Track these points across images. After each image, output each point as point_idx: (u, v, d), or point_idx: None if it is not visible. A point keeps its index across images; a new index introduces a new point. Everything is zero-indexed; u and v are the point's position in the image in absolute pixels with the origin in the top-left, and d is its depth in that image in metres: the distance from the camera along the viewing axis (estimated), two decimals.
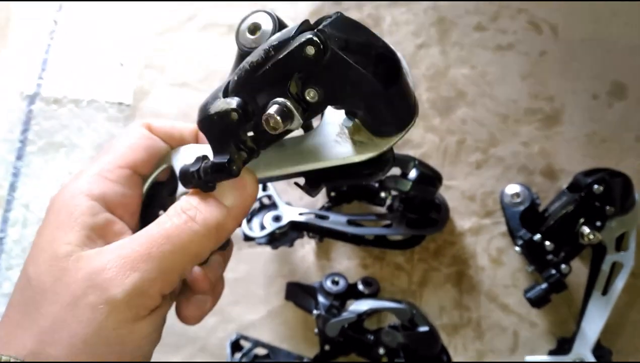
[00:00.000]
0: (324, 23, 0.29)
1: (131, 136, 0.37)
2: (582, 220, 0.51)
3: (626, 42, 0.63)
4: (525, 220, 0.54)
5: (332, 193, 0.60)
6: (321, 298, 0.56)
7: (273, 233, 0.55)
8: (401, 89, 0.30)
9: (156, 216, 0.34)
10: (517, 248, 0.52)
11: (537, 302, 0.53)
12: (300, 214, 0.56)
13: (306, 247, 0.60)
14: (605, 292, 0.52)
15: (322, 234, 0.58)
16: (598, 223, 0.52)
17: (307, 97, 0.30)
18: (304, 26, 0.29)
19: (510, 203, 0.54)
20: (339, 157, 0.33)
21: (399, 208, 0.56)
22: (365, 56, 0.29)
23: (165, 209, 0.34)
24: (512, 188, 0.54)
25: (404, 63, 0.30)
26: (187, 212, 0.33)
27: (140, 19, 0.68)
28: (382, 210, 0.59)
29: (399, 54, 0.30)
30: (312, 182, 0.35)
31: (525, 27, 0.64)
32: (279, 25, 0.32)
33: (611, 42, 0.63)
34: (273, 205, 0.57)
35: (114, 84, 0.66)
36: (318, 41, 0.28)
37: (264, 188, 0.57)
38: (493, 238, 0.59)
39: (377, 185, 0.57)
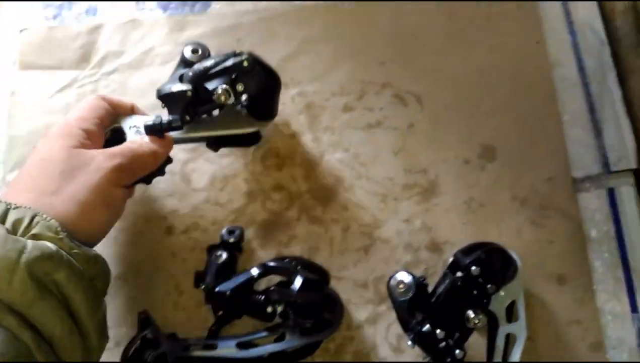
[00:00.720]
0: (249, 52, 0.56)
1: (96, 101, 0.55)
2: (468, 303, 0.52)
3: (488, 103, 0.64)
4: (415, 308, 0.54)
5: (220, 312, 0.57)
6: None
7: None
8: (277, 97, 0.60)
9: None
10: (409, 343, 0.52)
11: None
12: (186, 349, 0.53)
13: None
14: None
15: None
16: (485, 300, 0.52)
17: (238, 88, 0.55)
18: (235, 53, 0.56)
19: (397, 293, 0.53)
20: (236, 128, 0.58)
21: (291, 316, 0.55)
22: (268, 71, 0.58)
23: None
24: (396, 278, 0.54)
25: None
26: (137, 141, 0.54)
27: None
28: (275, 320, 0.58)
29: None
30: (214, 143, 0.61)
31: (391, 101, 0.65)
32: (208, 52, 0.60)
33: (474, 106, 0.64)
34: (155, 341, 0.53)
35: None
36: (251, 59, 0.55)
37: (144, 325, 0.54)
38: (391, 325, 0.58)
39: (262, 299, 0.56)
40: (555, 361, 0.56)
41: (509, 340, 0.54)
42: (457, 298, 0.52)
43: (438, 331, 0.52)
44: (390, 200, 0.62)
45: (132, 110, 0.58)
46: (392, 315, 0.58)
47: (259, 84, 0.56)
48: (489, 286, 0.52)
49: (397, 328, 0.58)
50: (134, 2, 0.69)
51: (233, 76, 0.55)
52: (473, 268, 0.51)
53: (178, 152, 0.64)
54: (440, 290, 0.53)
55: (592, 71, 0.65)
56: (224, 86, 0.54)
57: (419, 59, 0.66)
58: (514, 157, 0.62)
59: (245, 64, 0.54)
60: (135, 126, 0.57)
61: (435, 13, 0.68)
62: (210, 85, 0.55)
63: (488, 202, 0.61)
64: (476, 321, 0.50)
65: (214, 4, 0.69)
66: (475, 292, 0.52)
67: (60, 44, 0.68)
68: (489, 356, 0.54)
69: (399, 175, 0.63)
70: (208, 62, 0.55)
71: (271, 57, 0.66)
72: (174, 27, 0.68)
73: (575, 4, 0.67)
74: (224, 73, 0.55)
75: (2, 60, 0.68)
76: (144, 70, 0.67)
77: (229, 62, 0.54)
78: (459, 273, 0.52)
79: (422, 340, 0.52)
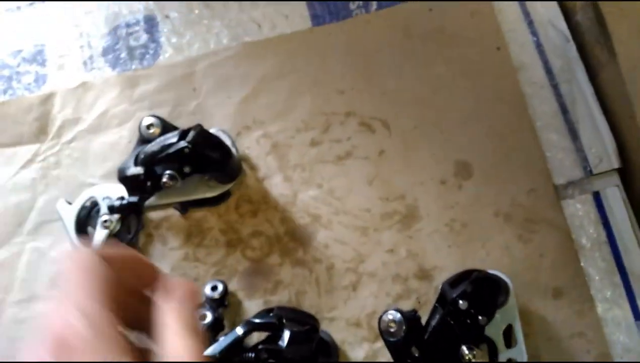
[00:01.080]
0: (192, 133, 0.56)
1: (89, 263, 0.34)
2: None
3: (455, 117, 0.62)
4: (409, 344, 0.52)
5: None
6: None
7: None
8: (233, 162, 0.60)
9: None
10: None
11: None
12: None
13: None
14: None
15: None
16: (478, 332, 0.50)
17: (185, 170, 0.57)
18: (182, 133, 0.57)
19: (389, 333, 0.52)
20: (201, 193, 0.60)
21: None
22: (213, 148, 0.58)
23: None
24: (386, 318, 0.52)
25: (230, 142, 0.61)
26: None
27: None
28: None
29: (225, 138, 0.61)
30: (183, 207, 0.62)
31: (358, 129, 0.63)
32: (164, 124, 0.61)
33: (442, 123, 0.62)
34: None
35: None
36: (190, 146, 0.55)
37: None
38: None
39: (252, 356, 0.54)
40: None
41: None
42: (450, 334, 0.50)
43: None
44: (371, 231, 0.60)
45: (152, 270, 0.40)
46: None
47: (204, 162, 0.57)
48: (480, 318, 0.50)
49: None
50: (82, 64, 0.68)
51: (178, 161, 0.57)
52: (460, 302, 0.50)
53: (151, 214, 0.62)
54: (432, 324, 0.52)
55: (559, 71, 0.63)
56: (169, 172, 0.57)
57: (379, 82, 0.64)
58: (491, 172, 0.60)
59: (186, 151, 0.56)
60: (108, 197, 0.60)
61: (389, 30, 0.66)
62: (158, 169, 0.57)
63: (470, 221, 0.59)
64: (470, 357, 0.49)
65: (162, 55, 0.67)
66: (467, 325, 0.50)
67: (15, 119, 0.66)
68: None
69: (377, 205, 0.61)
70: (155, 147, 0.57)
71: (229, 102, 0.65)
72: (125, 84, 0.66)
73: (533, 4, 0.65)
74: (169, 159, 0.56)
75: None
76: (102, 134, 0.65)
77: (172, 150, 0.56)
78: (449, 307, 0.50)
79: None
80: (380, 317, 0.52)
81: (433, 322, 0.51)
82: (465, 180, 0.61)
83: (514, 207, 0.59)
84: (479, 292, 0.50)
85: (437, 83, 0.63)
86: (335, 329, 0.58)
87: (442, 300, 0.52)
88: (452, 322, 0.50)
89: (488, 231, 0.59)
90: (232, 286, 0.60)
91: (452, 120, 0.62)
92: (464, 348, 0.49)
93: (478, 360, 0.49)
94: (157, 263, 0.59)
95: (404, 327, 0.51)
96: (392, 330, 0.52)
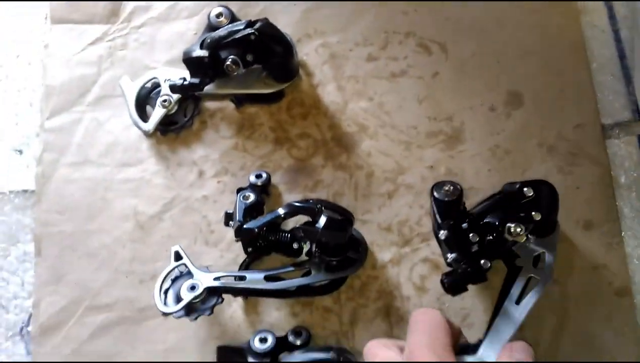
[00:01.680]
0: (260, 22, 0.59)
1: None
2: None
3: (514, 50, 0.64)
4: (452, 212, 0.52)
5: (249, 249, 0.59)
6: (251, 359, 0.55)
7: (190, 304, 0.54)
8: (292, 62, 0.62)
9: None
10: (442, 235, 0.50)
11: (451, 288, 0.51)
12: (216, 279, 0.55)
13: (233, 305, 0.59)
14: (519, 301, 0.51)
15: (243, 295, 0.57)
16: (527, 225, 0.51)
17: (247, 58, 0.59)
18: (249, 23, 0.59)
19: (442, 193, 0.52)
20: (257, 88, 0.63)
21: (317, 254, 0.56)
22: (278, 41, 0.60)
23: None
24: (444, 184, 0.52)
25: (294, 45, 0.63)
26: None
27: (30, 102, 0.67)
28: (303, 257, 0.59)
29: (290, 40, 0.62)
30: (238, 100, 0.64)
31: (415, 50, 0.65)
32: (232, 15, 0.64)
33: (500, 52, 0.64)
34: (188, 274, 0.56)
35: (14, 173, 0.65)
36: (256, 34, 0.58)
37: (177, 259, 0.56)
38: (414, 266, 0.58)
39: (288, 236, 0.57)
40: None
41: (530, 281, 0.53)
42: (499, 211, 0.51)
43: (472, 234, 0.51)
44: (414, 147, 0.62)
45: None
46: (416, 257, 0.59)
47: (267, 54, 0.60)
48: (534, 213, 0.51)
49: (420, 269, 0.58)
50: None
51: (243, 48, 0.58)
52: (525, 189, 0.51)
53: (207, 103, 0.65)
54: (481, 206, 0.53)
55: (622, 18, 0.64)
56: (233, 57, 0.58)
57: (444, 8, 0.66)
58: (541, 104, 0.62)
59: (252, 37, 0.58)
60: (170, 79, 0.63)
61: None
62: (223, 54, 0.59)
63: (514, 149, 0.61)
64: (518, 229, 0.49)
65: None
66: (519, 212, 0.51)
67: (89, 1, 0.69)
68: (505, 291, 0.52)
69: (423, 123, 0.63)
70: (222, 32, 0.59)
71: (295, 9, 0.67)
72: None
73: None
74: (234, 44, 0.58)
75: (35, 14, 0.70)
76: (171, 23, 0.68)
77: (238, 35, 0.58)
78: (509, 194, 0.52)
79: (455, 235, 0.51)
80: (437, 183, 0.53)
81: (484, 204, 0.53)
82: (514, 109, 0.62)
83: (559, 140, 0.60)
84: (541, 192, 0.51)
85: (502, 16, 0.65)
86: (366, 231, 0.60)
87: (502, 194, 0.53)
88: (507, 202, 0.51)
89: (530, 160, 0.60)
90: (275, 179, 0.62)
91: (510, 53, 0.64)
92: (512, 224, 0.50)
93: (521, 241, 0.50)
94: (208, 149, 0.63)
95: (457, 194, 0.51)
96: (446, 190, 0.52)
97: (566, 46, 0.63)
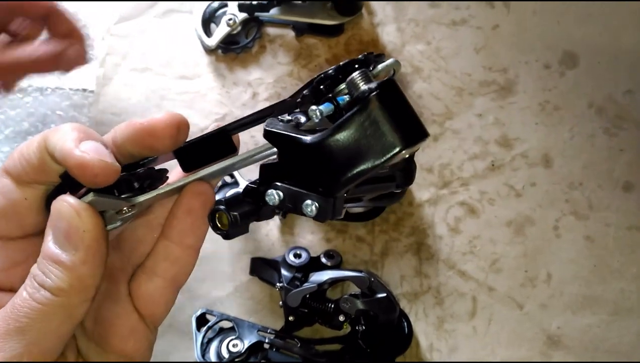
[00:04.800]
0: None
1: None
2: None
3: (575, 12, 0.64)
4: None
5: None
6: (284, 272, 0.57)
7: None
8: None
9: None
10: None
11: None
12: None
13: (270, 224, 0.61)
14: None
15: None
16: None
17: None
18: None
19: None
20: (320, 19, 0.63)
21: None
22: None
23: None
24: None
25: None
26: (36, 278, 0.31)
27: (100, 7, 0.69)
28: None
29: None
30: (299, 29, 0.65)
31: (478, 2, 0.66)
32: None
33: (560, 13, 0.65)
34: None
35: (77, 72, 0.67)
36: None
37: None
38: (450, 208, 0.60)
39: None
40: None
41: None
42: None
43: None
44: (466, 94, 0.63)
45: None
46: (453, 200, 0.60)
47: None
48: None
49: (456, 211, 0.60)
50: None
51: None
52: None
53: (268, 28, 0.67)
54: None
55: None
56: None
57: None
58: (595, 66, 0.63)
59: None
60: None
61: None
62: None
63: (564, 106, 0.62)
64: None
65: None
66: None
67: None
68: None
69: (478, 72, 0.64)
70: None
71: None
72: None
73: None
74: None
75: None
76: None
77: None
78: None
79: None
80: None
81: None
82: (569, 69, 0.63)
83: (608, 102, 0.61)
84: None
85: None
86: None
87: None
88: None
89: (578, 118, 0.61)
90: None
91: (571, 14, 0.64)
92: None
93: None
94: (264, 72, 0.64)
95: None
96: None
97: (627, 12, 0.64)
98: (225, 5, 0.66)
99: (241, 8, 0.64)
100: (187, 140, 0.34)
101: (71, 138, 0.30)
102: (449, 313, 0.58)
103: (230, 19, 0.64)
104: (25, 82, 0.66)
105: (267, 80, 0.65)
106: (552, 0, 0.65)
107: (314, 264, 0.58)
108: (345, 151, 0.30)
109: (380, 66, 0.35)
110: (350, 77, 0.31)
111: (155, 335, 0.37)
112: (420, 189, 0.61)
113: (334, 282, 0.56)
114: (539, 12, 0.65)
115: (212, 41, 0.65)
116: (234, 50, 0.66)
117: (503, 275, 0.58)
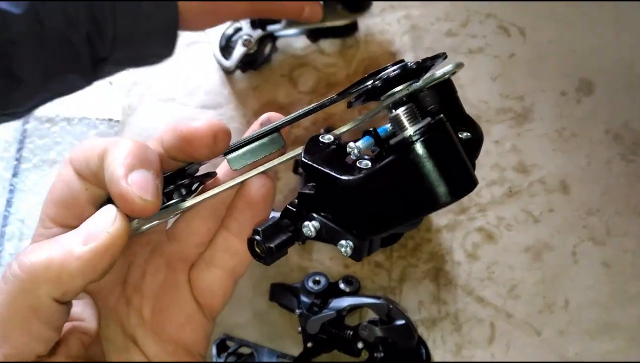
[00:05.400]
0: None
1: None
2: None
3: (590, 42, 0.65)
4: None
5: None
6: (303, 298, 0.58)
7: None
8: None
9: None
10: None
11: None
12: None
13: (289, 250, 0.62)
14: None
15: None
16: None
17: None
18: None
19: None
20: (331, 21, 0.65)
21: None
22: None
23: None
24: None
25: None
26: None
27: None
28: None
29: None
30: (313, 35, 0.68)
31: (495, 31, 0.67)
32: None
33: (577, 42, 0.65)
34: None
35: (103, 102, 0.69)
36: None
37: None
38: (468, 234, 0.60)
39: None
40: None
41: None
42: None
43: None
44: (483, 121, 0.64)
45: None
46: (471, 226, 0.61)
47: None
48: None
49: (474, 237, 0.60)
50: None
51: None
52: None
53: (288, 58, 0.68)
54: None
55: None
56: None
57: None
58: (611, 94, 0.63)
59: None
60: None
61: None
62: None
63: (580, 132, 0.62)
64: None
65: None
66: None
67: None
68: None
69: (495, 99, 0.65)
70: None
71: None
72: None
73: None
74: None
75: None
76: None
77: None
78: None
79: None
80: None
81: None
82: (585, 96, 0.63)
83: (625, 129, 0.62)
84: None
85: (583, 8, 0.66)
86: None
87: None
88: None
89: (595, 144, 0.62)
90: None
91: (586, 44, 0.65)
92: None
93: None
94: (283, 100, 0.65)
95: None
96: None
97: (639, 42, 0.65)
98: (240, 29, 0.67)
99: (253, 24, 0.65)
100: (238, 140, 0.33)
101: (123, 164, 0.30)
102: (467, 339, 0.58)
103: (246, 39, 0.66)
104: (53, 112, 0.69)
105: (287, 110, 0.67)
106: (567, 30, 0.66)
107: (333, 290, 0.59)
108: (384, 199, 0.28)
109: (438, 73, 0.32)
110: (394, 114, 0.28)
111: (212, 327, 0.37)
112: (438, 215, 0.61)
113: (352, 308, 0.56)
114: (554, 40, 0.66)
115: (230, 62, 0.66)
116: (252, 66, 0.67)
117: (521, 301, 0.58)
